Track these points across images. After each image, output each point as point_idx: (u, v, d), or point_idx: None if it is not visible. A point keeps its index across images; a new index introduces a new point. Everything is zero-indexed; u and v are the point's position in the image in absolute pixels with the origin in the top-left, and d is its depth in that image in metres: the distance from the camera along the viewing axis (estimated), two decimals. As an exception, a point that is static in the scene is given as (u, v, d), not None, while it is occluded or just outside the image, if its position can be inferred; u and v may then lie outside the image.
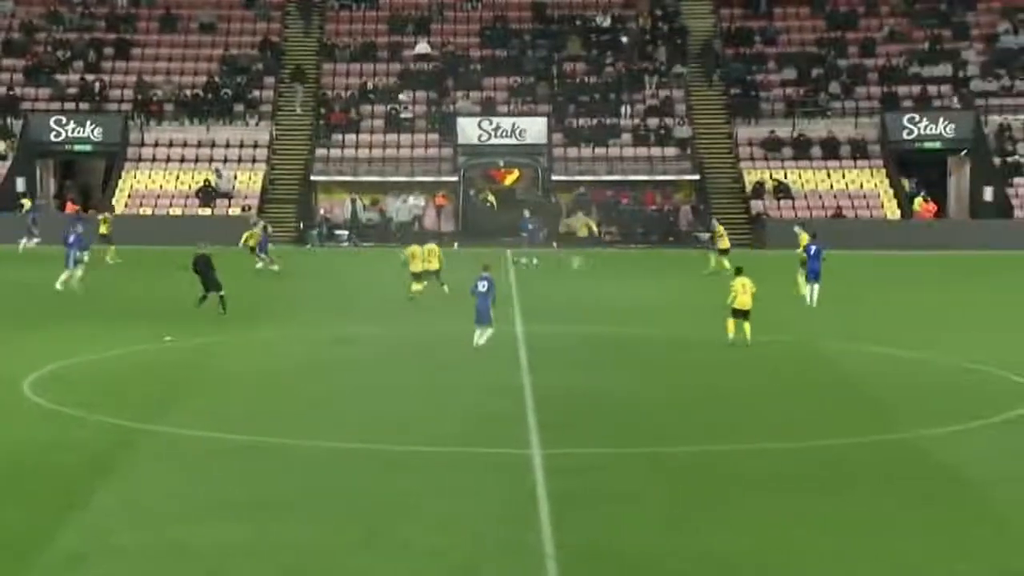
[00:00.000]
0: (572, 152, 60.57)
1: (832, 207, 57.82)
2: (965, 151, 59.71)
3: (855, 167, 60.10)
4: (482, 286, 27.77)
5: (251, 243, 45.16)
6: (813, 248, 36.94)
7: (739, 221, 57.82)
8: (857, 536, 16.32)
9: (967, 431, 21.95)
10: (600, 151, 60.62)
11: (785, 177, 59.26)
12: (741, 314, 28.08)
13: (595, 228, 53.35)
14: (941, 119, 59.67)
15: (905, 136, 59.89)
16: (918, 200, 58.53)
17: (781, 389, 25.50)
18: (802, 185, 59.24)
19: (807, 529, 16.54)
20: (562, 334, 31.65)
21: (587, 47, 64.42)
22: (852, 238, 53.85)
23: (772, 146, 60.58)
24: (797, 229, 40.61)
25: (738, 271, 29.07)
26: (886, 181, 59.11)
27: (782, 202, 58.20)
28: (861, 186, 59.18)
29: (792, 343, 29.86)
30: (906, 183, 59.96)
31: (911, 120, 59.93)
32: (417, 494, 17.88)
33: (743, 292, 28.04)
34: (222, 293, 33.54)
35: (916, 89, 61.55)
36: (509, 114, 61.15)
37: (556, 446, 20.52)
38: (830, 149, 60.36)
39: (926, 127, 59.75)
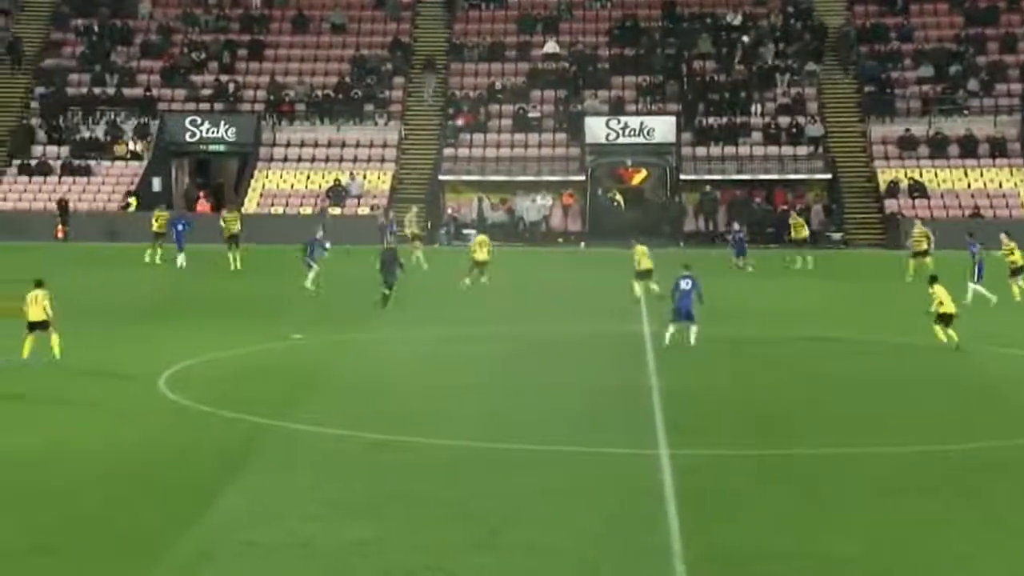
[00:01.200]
0: (701, 151, 59.96)
1: (969, 207, 56.44)
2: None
3: (994, 166, 58.57)
4: (685, 284, 28.12)
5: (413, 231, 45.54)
6: (976, 248, 37.44)
7: (872, 221, 56.70)
8: (989, 542, 15.84)
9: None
10: (730, 150, 59.93)
11: (920, 176, 58.01)
12: (948, 319, 28.32)
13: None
14: (1086, 115, 57.90)
15: (1048, 132, 58.28)
16: (1057, 199, 56.96)
17: (918, 389, 24.92)
18: (938, 184, 57.93)
19: (938, 534, 16.12)
20: (685, 334, 31.31)
21: (717, 45, 63.78)
22: (990, 238, 52.40)
23: (907, 144, 59.33)
24: (1003, 237, 38.86)
25: (933, 279, 29.10)
26: (1024, 180, 57.63)
27: (917, 201, 56.97)
28: (1000, 185, 57.65)
29: (941, 347, 29.13)
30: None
31: (1054, 117, 58.26)
32: (540, 493, 17.78)
33: (946, 298, 28.45)
34: (391, 290, 33.65)
35: (1062, 85, 59.94)
36: (637, 113, 60.71)
37: (683, 447, 20.28)
38: (968, 147, 58.92)
39: (1069, 124, 58.03)
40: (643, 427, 21.63)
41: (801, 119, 60.42)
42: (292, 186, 60.13)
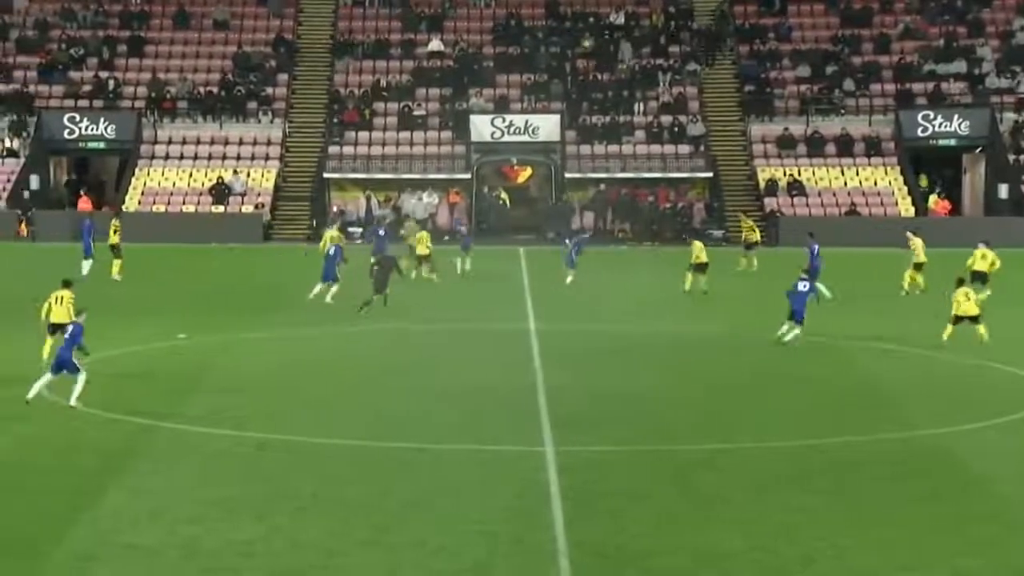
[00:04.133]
0: (585, 150, 60.48)
1: (846, 205, 57.66)
2: (980, 148, 59.49)
3: (869, 164, 59.93)
4: (803, 286, 29.43)
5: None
6: (816, 248, 37.73)
7: (752, 219, 57.64)
8: (861, 532, 16.27)
9: (980, 429, 21.88)
10: (613, 148, 60.53)
11: (799, 174, 59.12)
12: (969, 319, 29.02)
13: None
14: (956, 116, 59.44)
15: (920, 133, 59.68)
16: (933, 197, 58.32)
17: (794, 386, 25.44)
18: (816, 182, 59.09)
19: (817, 527, 16.50)
20: (576, 332, 31.61)
21: (600, 44, 64.35)
22: (866, 236, 53.70)
23: (786, 143, 60.44)
24: (909, 235, 39.29)
25: (960, 282, 29.69)
26: (900, 179, 58.92)
27: (796, 199, 58.07)
28: (875, 183, 59.01)
29: (811, 341, 29.76)
30: (924, 180, 59.73)
31: (925, 117, 59.70)
32: (428, 492, 17.85)
33: (966, 300, 29.00)
34: (376, 298, 33.17)
35: (931, 86, 61.35)
36: (522, 112, 61.06)
37: (569, 444, 20.49)
38: (844, 146, 60.20)
39: (941, 124, 59.52)
40: (529, 424, 21.80)
41: (683, 118, 61.25)
42: (174, 184, 59.41)
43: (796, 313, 29.04)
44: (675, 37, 64.83)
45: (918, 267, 38.26)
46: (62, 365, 22.41)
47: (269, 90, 62.90)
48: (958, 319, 28.99)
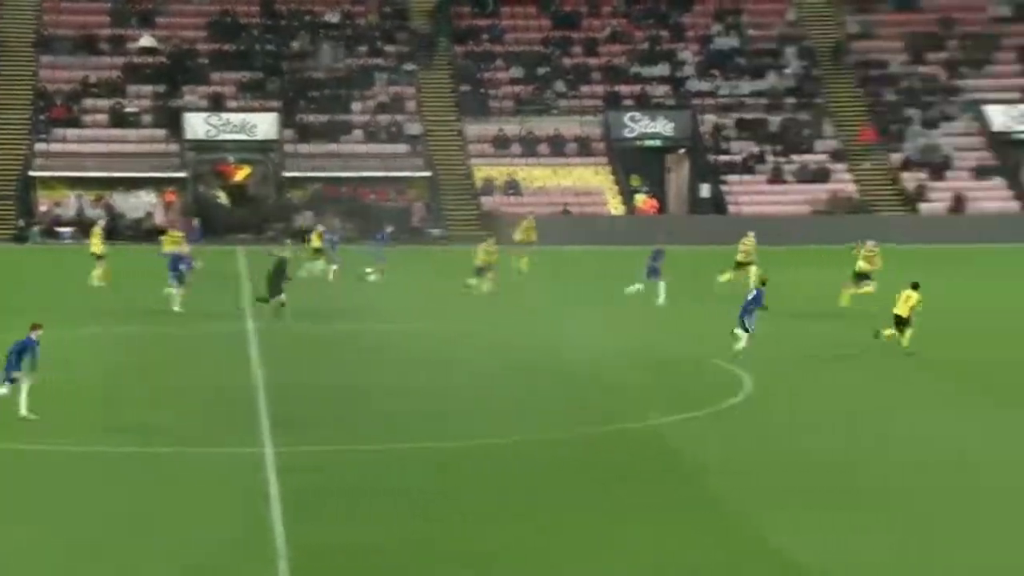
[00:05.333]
0: (304, 148, 60.28)
1: (560, 203, 59.25)
2: (683, 149, 62.12)
3: (581, 164, 61.73)
4: (751, 295, 28.88)
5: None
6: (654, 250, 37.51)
7: (471, 217, 58.64)
8: (585, 525, 16.91)
9: (689, 420, 22.88)
10: (332, 147, 60.50)
11: (514, 174, 60.40)
12: (901, 322, 28.90)
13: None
14: (660, 117, 61.94)
15: (627, 134, 61.84)
16: (641, 196, 60.55)
17: (517, 382, 26.14)
18: (531, 182, 60.51)
19: (529, 520, 17.04)
20: (295, 331, 31.59)
21: (316, 42, 64.22)
22: (578, 234, 55.36)
23: (501, 143, 61.68)
24: (870, 243, 37.41)
25: (914, 286, 29.36)
26: (611, 178, 60.95)
27: (512, 199, 59.35)
28: (587, 183, 60.87)
29: (530, 336, 30.61)
30: (635, 179, 61.91)
31: (632, 118, 61.97)
32: (144, 496, 17.67)
33: (904, 302, 28.93)
34: (273, 300, 32.37)
35: (637, 88, 63.69)
36: (239, 109, 60.40)
37: (288, 444, 20.57)
38: (557, 146, 61.86)
39: (647, 125, 61.90)
40: (248, 425, 21.76)
41: (400, 118, 61.76)
42: None
43: (743, 321, 28.49)
44: (391, 37, 65.32)
45: (740, 266, 38.53)
46: None
47: (-31, 85, 60.27)
48: (898, 319, 28.75)
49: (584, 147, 62.04)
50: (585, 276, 44.05)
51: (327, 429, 21.82)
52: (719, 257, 44.64)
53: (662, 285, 36.05)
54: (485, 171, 60.62)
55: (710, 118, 62.12)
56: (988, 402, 24.60)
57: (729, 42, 65.44)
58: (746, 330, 27.97)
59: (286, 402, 23.51)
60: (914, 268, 35.57)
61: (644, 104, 63.00)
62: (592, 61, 65.24)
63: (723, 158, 60.77)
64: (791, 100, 62.46)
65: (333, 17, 65.82)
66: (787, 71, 63.70)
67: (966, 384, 26.27)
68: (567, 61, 65.06)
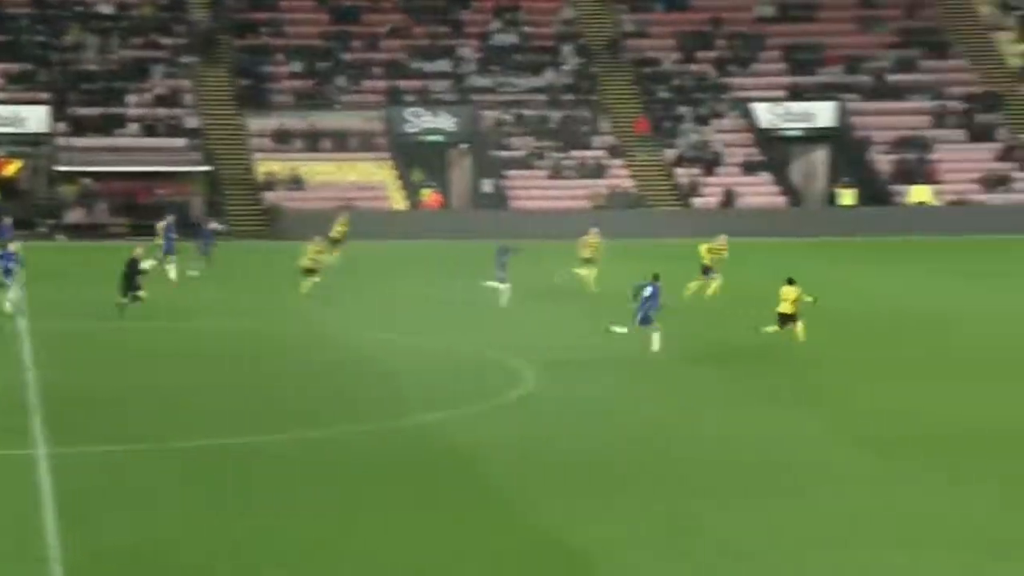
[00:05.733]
0: (78, 142, 58.72)
1: (344, 198, 59.20)
2: (465, 144, 62.80)
3: (364, 159, 61.79)
4: (648, 291, 28.45)
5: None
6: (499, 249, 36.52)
7: (253, 212, 58.08)
8: (354, 522, 17.08)
9: (471, 415, 23.22)
10: (107, 141, 59.10)
11: (297, 169, 60.06)
12: (787, 318, 29.07)
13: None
14: (442, 113, 62.48)
15: (409, 129, 62.18)
16: (425, 191, 60.99)
17: (299, 378, 26.15)
18: (314, 177, 60.27)
19: (305, 515, 17.07)
20: (69, 329, 30.92)
21: (89, 34, 62.57)
22: (363, 228, 55.46)
23: (283, 138, 61.23)
24: (722, 237, 37.61)
25: (790, 281, 29.58)
26: (393, 173, 61.20)
27: (295, 194, 59.02)
28: (370, 177, 60.97)
29: (317, 332, 30.68)
30: (418, 174, 62.25)
31: (414, 114, 62.34)
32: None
33: (785, 298, 29.17)
34: (139, 295, 31.77)
35: (418, 84, 64.05)
36: (8, 101, 58.47)
37: (63, 445, 20.19)
38: (339, 142, 61.76)
39: (428, 121, 62.33)
40: (19, 427, 21.25)
41: (178, 111, 60.73)
42: None
43: (644, 319, 28.54)
44: (168, 29, 64.12)
45: (586, 262, 38.20)
46: None
47: None
48: (782, 316, 29.14)
49: (367, 142, 62.13)
50: (381, 271, 44.25)
51: (103, 429, 21.45)
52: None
53: (505, 287, 35.02)
54: (267, 166, 60.15)
55: (491, 114, 62.94)
56: (754, 395, 25.67)
57: (508, 39, 66.40)
58: (645, 324, 28.16)
59: (59, 402, 23.01)
60: (691, 262, 36.98)
61: (426, 100, 63.44)
62: (373, 56, 65.35)
63: (504, 154, 61.64)
64: (569, 97, 63.76)
65: (107, 8, 64.26)
66: (564, 68, 65.01)
67: (728, 372, 27.34)
68: (348, 56, 65.02)
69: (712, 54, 65.26)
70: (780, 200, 60.22)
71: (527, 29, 66.78)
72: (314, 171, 60.78)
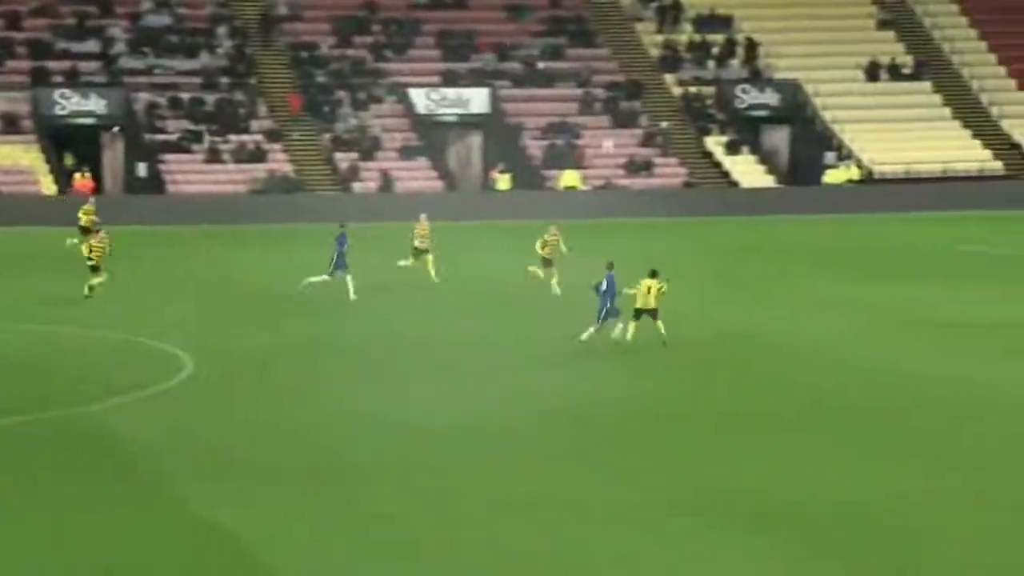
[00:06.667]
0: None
1: (-10, 183, 56.80)
2: (117, 128, 61.15)
3: (9, 143, 59.30)
4: (604, 284, 27.52)
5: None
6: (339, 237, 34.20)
7: None
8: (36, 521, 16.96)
9: (126, 404, 22.94)
10: None
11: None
12: (647, 313, 27.32)
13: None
14: (93, 95, 60.62)
15: (58, 112, 60.02)
16: (77, 176, 59.06)
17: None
18: (-47, 160, 57.47)
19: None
20: None
21: None
22: (9, 215, 53.38)
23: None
24: (552, 228, 36.07)
25: (653, 273, 27.53)
26: (41, 156, 59.01)
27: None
28: (16, 162, 58.59)
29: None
30: (69, 158, 60.15)
31: (63, 95, 60.26)
32: None
33: (647, 293, 27.26)
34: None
35: (67, 64, 61.88)
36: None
37: None
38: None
39: (78, 103, 60.38)
40: None
41: None
42: None
43: (610, 311, 27.45)
44: None
45: (419, 253, 36.55)
46: None
47: None
48: (638, 312, 27.52)
49: (12, 125, 59.77)
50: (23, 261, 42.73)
51: None
52: (159, 237, 44.66)
53: (349, 278, 33.20)
54: None
55: (144, 96, 61.61)
56: (474, 370, 26.43)
57: (161, 19, 65.09)
58: (612, 316, 27.52)
59: None
60: (356, 245, 37.37)
61: (75, 81, 61.49)
62: (16, 35, 62.81)
63: (159, 137, 60.49)
64: (225, 80, 63.08)
65: None
66: (219, 50, 64.26)
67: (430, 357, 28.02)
68: (-14, 34, 62.25)
69: (368, 39, 65.88)
70: (438, 184, 61.47)
71: (180, 10, 65.64)
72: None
